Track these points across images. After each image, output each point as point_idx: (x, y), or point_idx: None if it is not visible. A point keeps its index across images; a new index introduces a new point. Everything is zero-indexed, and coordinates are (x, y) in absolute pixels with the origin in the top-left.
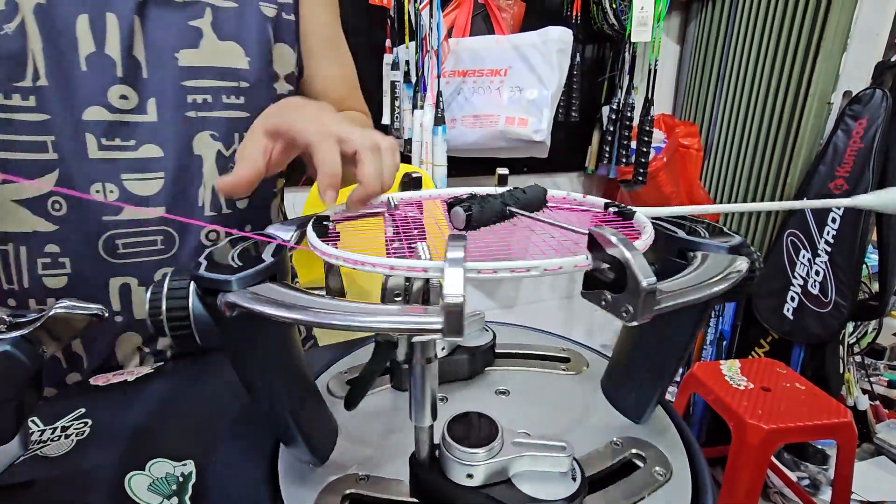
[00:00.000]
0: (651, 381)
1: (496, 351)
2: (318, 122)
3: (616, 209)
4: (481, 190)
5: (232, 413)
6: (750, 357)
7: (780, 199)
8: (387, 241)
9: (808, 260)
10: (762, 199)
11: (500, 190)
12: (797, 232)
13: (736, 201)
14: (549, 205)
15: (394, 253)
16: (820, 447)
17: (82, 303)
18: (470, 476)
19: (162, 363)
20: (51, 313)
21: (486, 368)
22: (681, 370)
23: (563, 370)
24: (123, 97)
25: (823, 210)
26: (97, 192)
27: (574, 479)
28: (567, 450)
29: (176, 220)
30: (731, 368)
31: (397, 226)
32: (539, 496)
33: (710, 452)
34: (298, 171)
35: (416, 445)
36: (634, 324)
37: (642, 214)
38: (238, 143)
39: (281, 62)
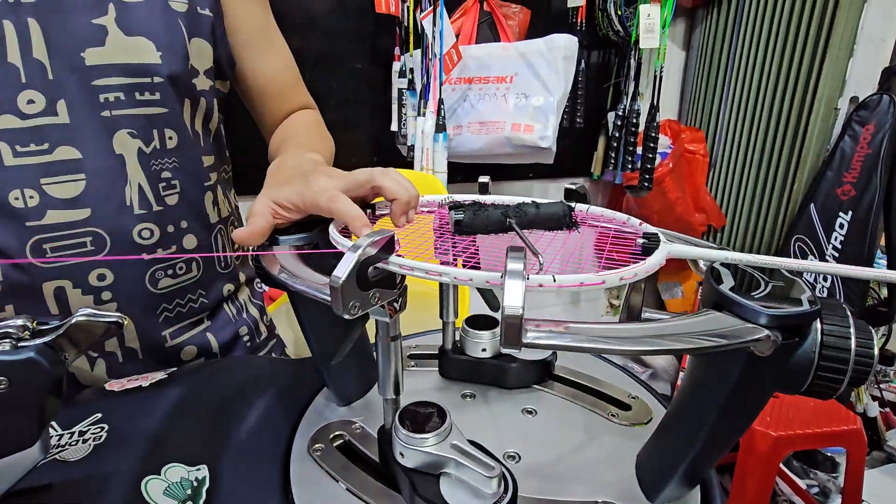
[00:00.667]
0: (673, 456)
1: (553, 372)
2: (319, 188)
3: (645, 239)
4: (515, 200)
5: (244, 418)
6: None
7: (787, 204)
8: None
9: None
10: (769, 204)
11: (543, 201)
12: (804, 237)
13: (742, 207)
14: (588, 221)
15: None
16: (830, 455)
17: (101, 311)
18: (402, 455)
19: (174, 369)
20: (73, 321)
21: (535, 385)
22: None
23: (613, 417)
24: (31, 101)
25: (831, 215)
26: (16, 199)
27: None
28: (493, 471)
29: (101, 219)
30: None
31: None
32: (447, 499)
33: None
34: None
35: (384, 415)
36: (508, 351)
37: (668, 245)
38: (157, 139)
39: (199, 57)
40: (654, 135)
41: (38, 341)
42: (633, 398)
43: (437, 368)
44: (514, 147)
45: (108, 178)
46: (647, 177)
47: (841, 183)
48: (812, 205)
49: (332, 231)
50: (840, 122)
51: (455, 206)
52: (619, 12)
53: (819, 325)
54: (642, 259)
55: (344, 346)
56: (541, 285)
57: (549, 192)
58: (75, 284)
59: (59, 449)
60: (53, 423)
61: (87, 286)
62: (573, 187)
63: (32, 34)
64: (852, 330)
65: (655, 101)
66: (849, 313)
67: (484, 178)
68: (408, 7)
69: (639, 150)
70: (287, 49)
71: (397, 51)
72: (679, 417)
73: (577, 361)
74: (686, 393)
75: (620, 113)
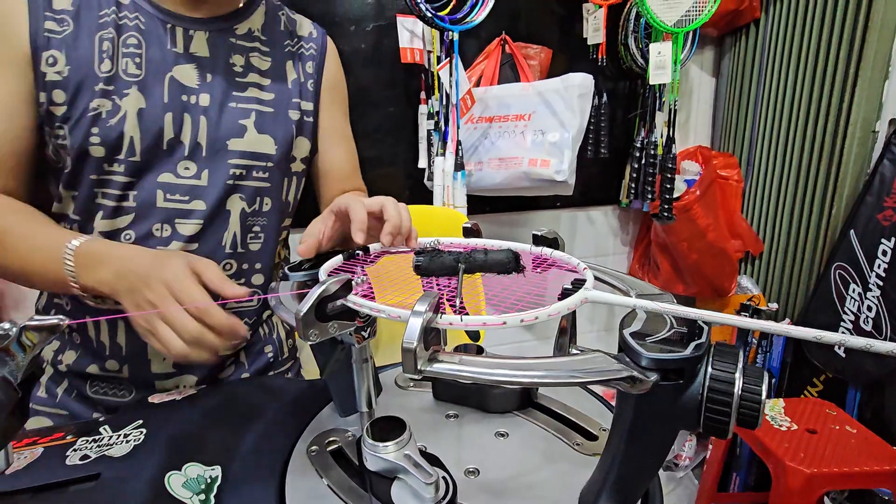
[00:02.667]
0: (600, 481)
1: (535, 400)
2: (346, 198)
3: (571, 285)
4: (476, 244)
5: (254, 432)
6: (801, 397)
7: (826, 231)
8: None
9: (859, 294)
10: (807, 231)
11: (496, 248)
12: (845, 265)
13: (780, 233)
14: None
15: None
16: (887, 498)
17: (41, 317)
18: (367, 459)
19: (204, 385)
20: (22, 325)
21: (515, 411)
22: None
23: (577, 445)
24: (186, 168)
25: (872, 242)
26: (157, 229)
27: None
28: (431, 478)
29: (204, 254)
30: (773, 408)
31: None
32: (393, 499)
33: (755, 497)
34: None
35: (361, 425)
36: (409, 377)
37: (585, 292)
38: (258, 204)
39: (298, 149)
40: (671, 166)
41: None
42: (603, 430)
43: (431, 390)
44: (532, 181)
45: (216, 226)
46: (666, 206)
47: (882, 208)
48: (852, 231)
49: (321, 272)
50: (879, 145)
51: (419, 252)
52: (640, 46)
53: (708, 369)
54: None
55: (329, 364)
56: (451, 323)
57: (577, 221)
58: None
59: (108, 447)
60: (106, 427)
61: None
62: (540, 233)
63: (201, 126)
64: (738, 373)
65: (671, 134)
66: (740, 357)
67: (468, 224)
68: (432, 56)
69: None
70: (353, 144)
71: (423, 95)
72: (605, 451)
73: (563, 393)
74: (610, 430)
75: (638, 144)
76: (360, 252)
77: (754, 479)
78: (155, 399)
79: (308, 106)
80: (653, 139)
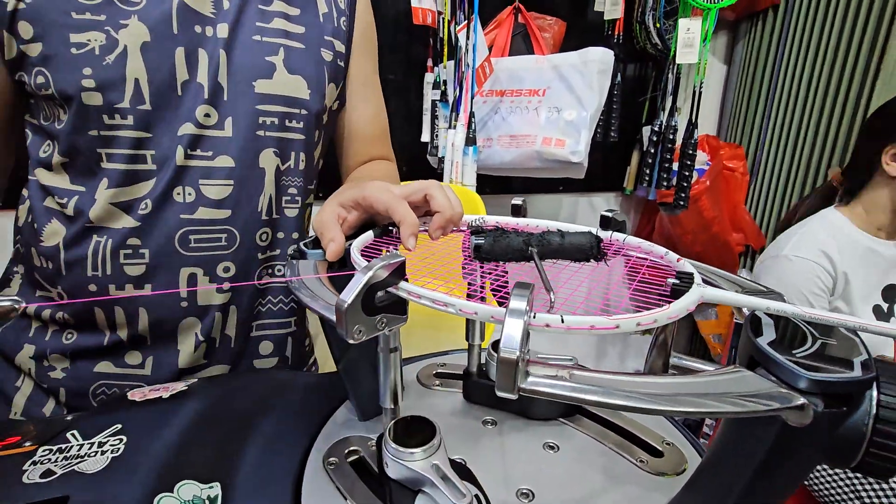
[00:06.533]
0: None
1: (582, 406)
2: (388, 190)
3: (677, 279)
4: (543, 225)
5: (260, 433)
6: None
7: None
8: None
9: None
10: None
11: (571, 229)
12: None
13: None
14: (622, 253)
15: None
16: None
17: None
18: (387, 465)
19: (195, 380)
20: None
21: (561, 418)
22: None
23: (642, 463)
24: (207, 115)
25: None
26: (178, 193)
27: None
28: (464, 499)
29: (238, 221)
30: None
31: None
32: None
33: None
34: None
35: (384, 424)
36: (504, 395)
37: (700, 288)
38: (292, 160)
39: (330, 98)
40: (691, 152)
41: None
42: (668, 444)
43: (461, 391)
44: (544, 161)
45: (250, 186)
46: (682, 195)
47: None
48: None
49: (353, 252)
50: None
51: (476, 231)
52: (658, 25)
53: (875, 395)
54: (669, 302)
55: (347, 354)
56: (547, 325)
57: (578, 206)
58: (206, 272)
59: (79, 459)
60: (75, 433)
61: (214, 275)
62: (609, 214)
63: (220, 63)
64: None
65: (694, 118)
66: None
67: (517, 200)
68: (443, 19)
69: (674, 166)
70: (382, 103)
71: (430, 62)
72: (708, 477)
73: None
74: (717, 452)
75: (656, 128)
76: (392, 228)
77: None
78: (136, 395)
79: (340, 47)
80: (672, 123)
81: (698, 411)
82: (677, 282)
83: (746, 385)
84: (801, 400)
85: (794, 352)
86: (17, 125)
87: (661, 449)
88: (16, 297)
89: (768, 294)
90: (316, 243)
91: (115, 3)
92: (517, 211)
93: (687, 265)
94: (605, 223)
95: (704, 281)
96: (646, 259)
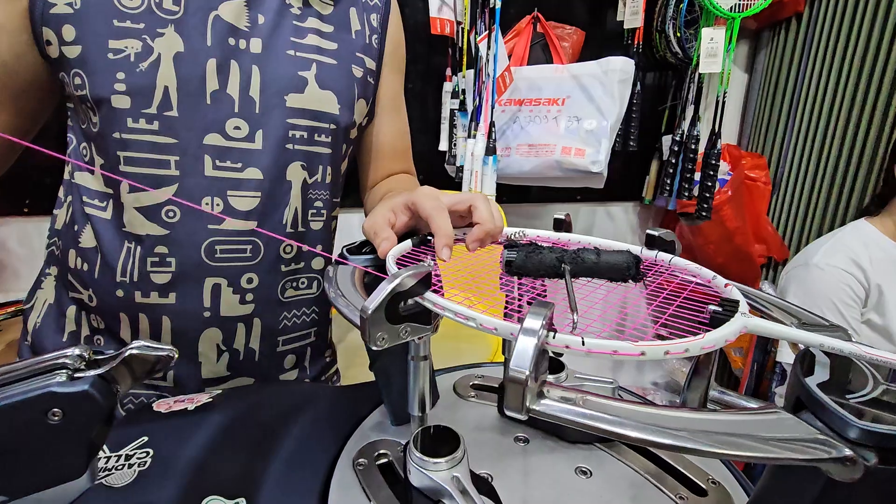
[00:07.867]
0: None
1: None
2: (435, 198)
3: (719, 306)
4: (580, 241)
5: (285, 447)
6: None
7: None
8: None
9: None
10: None
11: (608, 246)
12: None
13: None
14: (666, 275)
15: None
16: None
17: (154, 343)
18: (410, 472)
19: (219, 391)
20: (127, 353)
21: (597, 444)
22: None
23: (681, 499)
24: (237, 128)
25: None
26: (206, 203)
27: None
28: None
29: (263, 233)
30: None
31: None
32: None
33: None
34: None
35: (411, 432)
36: (513, 415)
37: (743, 319)
38: (319, 173)
39: (358, 114)
40: (714, 162)
41: (93, 373)
42: (714, 484)
43: (497, 405)
44: (564, 171)
45: (276, 199)
46: (705, 205)
47: None
48: None
49: (389, 260)
50: None
51: (510, 245)
52: (679, 34)
53: None
54: (706, 331)
55: (380, 357)
56: (567, 346)
57: (596, 216)
58: (229, 283)
59: (106, 473)
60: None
61: (238, 286)
62: (655, 233)
63: (253, 76)
64: None
65: (717, 128)
66: None
67: (560, 215)
68: (462, 28)
69: (696, 176)
70: (406, 119)
71: (448, 71)
72: None
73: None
74: (761, 501)
75: (677, 138)
76: (431, 238)
77: None
78: (161, 407)
79: (371, 64)
80: (695, 133)
81: (712, 451)
82: (718, 309)
83: (786, 429)
84: (847, 451)
85: (847, 396)
86: (34, 128)
87: (705, 487)
88: (171, 347)
89: (828, 329)
90: (358, 248)
91: (155, 12)
92: (559, 225)
93: (735, 292)
94: (651, 242)
95: (754, 309)
96: (690, 283)
